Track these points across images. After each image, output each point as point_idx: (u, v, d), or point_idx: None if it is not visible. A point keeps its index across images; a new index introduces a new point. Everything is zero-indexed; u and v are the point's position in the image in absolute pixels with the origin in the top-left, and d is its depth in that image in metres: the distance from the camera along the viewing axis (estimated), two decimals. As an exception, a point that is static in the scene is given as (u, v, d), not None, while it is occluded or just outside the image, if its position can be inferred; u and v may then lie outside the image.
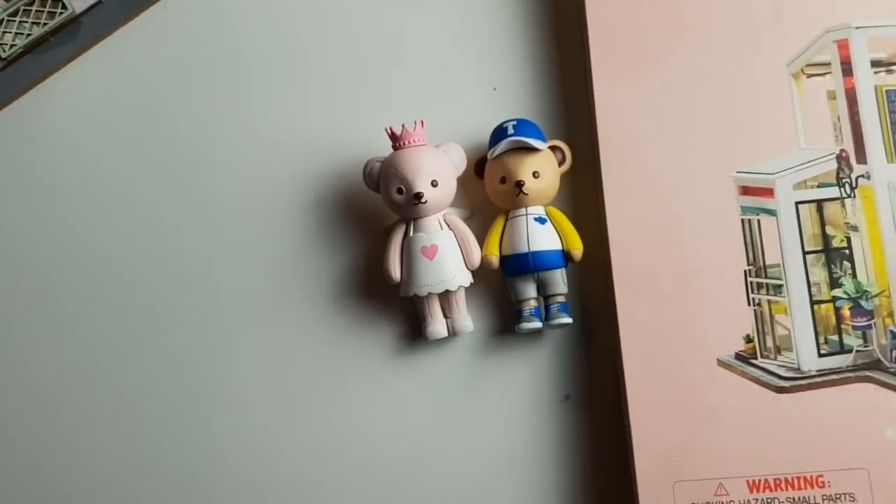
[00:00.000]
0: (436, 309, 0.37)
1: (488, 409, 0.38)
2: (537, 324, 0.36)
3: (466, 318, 0.37)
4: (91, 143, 0.41)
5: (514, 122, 0.36)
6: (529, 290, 0.36)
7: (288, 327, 0.39)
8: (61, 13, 0.40)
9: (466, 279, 0.37)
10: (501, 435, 0.38)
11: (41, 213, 0.40)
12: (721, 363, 0.35)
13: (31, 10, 0.40)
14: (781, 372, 0.35)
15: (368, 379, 0.39)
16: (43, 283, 0.40)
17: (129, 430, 0.39)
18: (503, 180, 0.36)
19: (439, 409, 0.38)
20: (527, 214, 0.36)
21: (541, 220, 0.36)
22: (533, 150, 0.36)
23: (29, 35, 0.40)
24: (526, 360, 0.38)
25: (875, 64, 0.36)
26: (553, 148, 0.37)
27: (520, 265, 0.36)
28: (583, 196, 0.38)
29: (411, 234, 0.36)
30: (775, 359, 0.35)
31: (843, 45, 0.36)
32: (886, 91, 0.36)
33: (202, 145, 0.41)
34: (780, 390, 0.35)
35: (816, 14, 0.37)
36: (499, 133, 0.36)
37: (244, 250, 0.40)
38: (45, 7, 0.40)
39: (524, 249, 0.36)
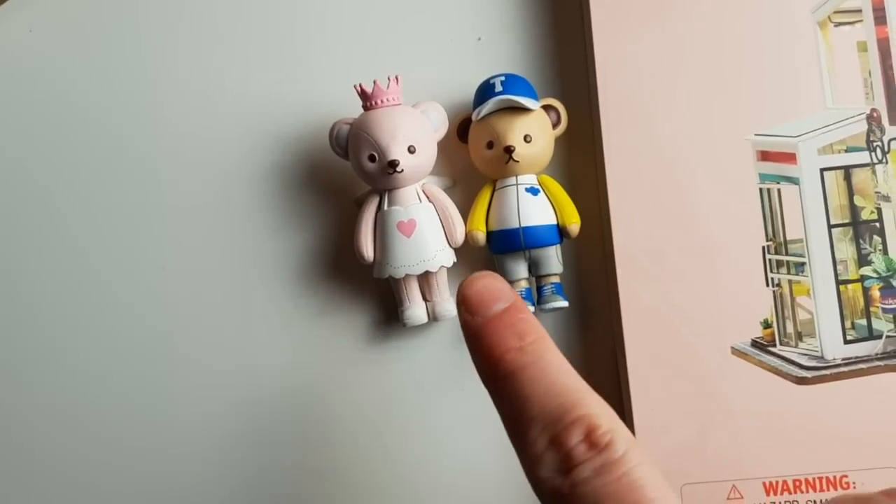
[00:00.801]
0: (414, 292, 0.33)
1: (472, 401, 0.34)
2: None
3: (448, 302, 0.33)
4: (23, 101, 0.36)
5: (503, 78, 0.32)
6: (520, 270, 0.33)
7: (247, 311, 0.35)
8: None
9: (449, 258, 0.33)
10: (487, 428, 0.34)
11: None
12: (735, 351, 0.32)
13: None
14: (803, 361, 0.32)
15: (339, 369, 0.35)
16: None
17: (83, 422, 0.36)
18: (490, 145, 0.32)
19: (419, 400, 0.35)
20: (517, 184, 0.32)
21: (533, 191, 0.32)
22: (524, 110, 0.31)
23: None
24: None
25: (911, 9, 0.32)
26: (546, 108, 0.33)
27: (509, 242, 0.32)
28: (580, 163, 0.34)
29: (385, 207, 0.32)
30: (796, 346, 0.32)
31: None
32: (923, 41, 0.32)
33: (148, 104, 0.36)
34: (802, 381, 0.32)
35: None
36: (485, 90, 0.32)
37: (196, 223, 0.36)
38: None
39: (514, 224, 0.32)
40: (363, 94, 0.32)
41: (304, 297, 0.35)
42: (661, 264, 0.32)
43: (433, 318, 0.33)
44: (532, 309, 0.33)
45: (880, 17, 0.32)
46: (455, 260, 0.33)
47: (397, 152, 0.31)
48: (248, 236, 0.35)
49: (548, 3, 0.36)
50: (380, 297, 0.35)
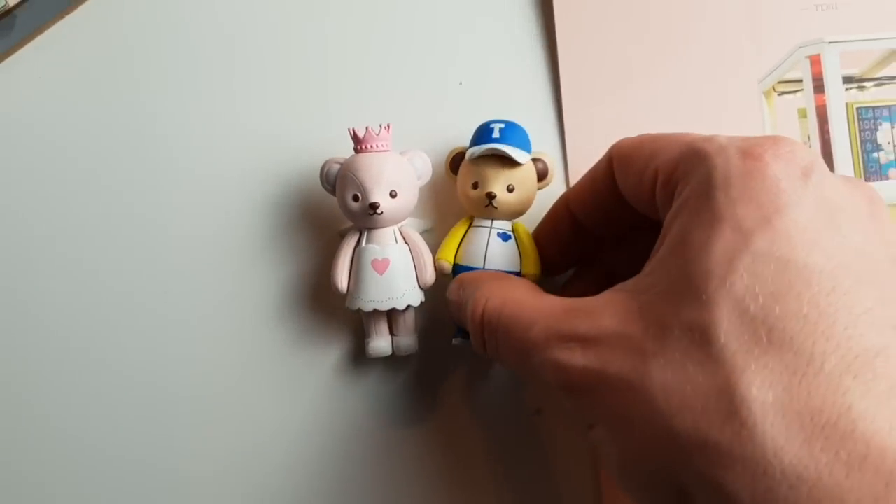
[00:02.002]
0: (381, 325, 0.35)
1: (449, 425, 0.36)
2: (462, 339, 0.34)
3: (410, 338, 0.35)
4: (28, 143, 0.38)
5: (502, 126, 0.33)
6: None
7: (228, 338, 0.36)
8: None
9: (416, 298, 0.34)
10: (464, 453, 0.35)
11: None
12: None
13: None
14: None
15: (312, 395, 0.36)
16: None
17: (57, 447, 0.36)
18: (475, 185, 0.33)
19: (389, 428, 0.36)
20: (491, 227, 0.33)
21: (504, 237, 0.33)
22: (513, 160, 0.33)
23: None
24: (496, 368, 0.36)
25: (847, 80, 0.35)
26: (536, 160, 0.34)
27: None
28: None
29: (363, 244, 0.34)
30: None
31: (815, 61, 0.36)
32: (857, 108, 0.35)
33: (145, 145, 0.38)
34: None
35: (791, 33, 0.36)
36: (483, 133, 0.33)
37: (183, 257, 0.37)
38: (-25, -1, 0.37)
39: (479, 265, 0.33)
40: (355, 138, 0.34)
41: (284, 324, 0.36)
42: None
43: (395, 352, 0.35)
44: (462, 340, 0.34)
45: (819, 87, 0.36)
46: (423, 299, 0.34)
47: (379, 195, 0.33)
48: (235, 269, 0.37)
49: (524, 50, 0.38)
50: (355, 327, 0.36)
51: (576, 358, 0.23)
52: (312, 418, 0.36)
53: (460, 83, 0.38)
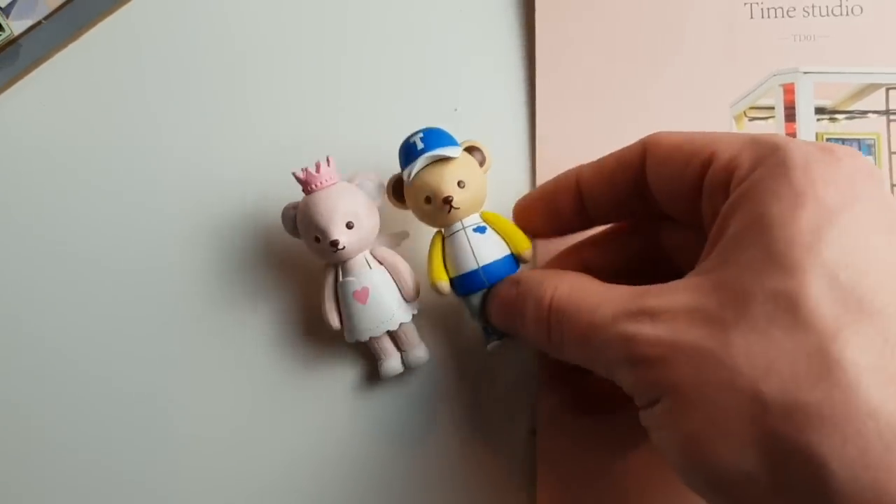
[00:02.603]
0: (386, 345, 0.35)
1: (447, 445, 0.36)
2: (500, 341, 0.33)
3: (418, 349, 0.35)
4: (32, 168, 0.40)
5: (421, 135, 0.32)
6: None
7: (230, 381, 0.38)
8: None
9: (407, 315, 0.34)
10: (462, 474, 0.36)
11: None
12: None
13: None
14: None
15: (325, 422, 0.37)
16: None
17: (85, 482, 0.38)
18: (428, 200, 0.32)
19: (395, 447, 0.37)
20: (464, 227, 0.32)
21: (481, 230, 0.32)
22: (450, 159, 0.32)
23: None
24: (488, 387, 0.36)
25: (819, 111, 0.35)
26: (469, 150, 0.33)
27: (472, 284, 0.32)
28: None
29: (341, 278, 0.34)
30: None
31: (788, 90, 0.35)
32: (827, 139, 0.35)
33: (145, 173, 0.39)
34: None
35: (767, 61, 0.36)
36: (408, 152, 0.32)
37: (188, 279, 0.38)
38: (-19, 30, 0.39)
39: (473, 266, 0.32)
40: (300, 181, 0.33)
41: (286, 361, 0.37)
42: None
43: (407, 367, 0.35)
44: (499, 343, 0.33)
45: (790, 115, 0.35)
46: (415, 312, 0.34)
47: (336, 232, 0.32)
48: (240, 297, 0.38)
49: (517, 75, 0.38)
50: (359, 352, 0.37)
51: (645, 329, 0.23)
52: (325, 443, 0.37)
53: (455, 110, 0.38)
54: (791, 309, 0.21)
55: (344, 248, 0.33)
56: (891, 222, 0.22)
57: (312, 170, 0.33)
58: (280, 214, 0.35)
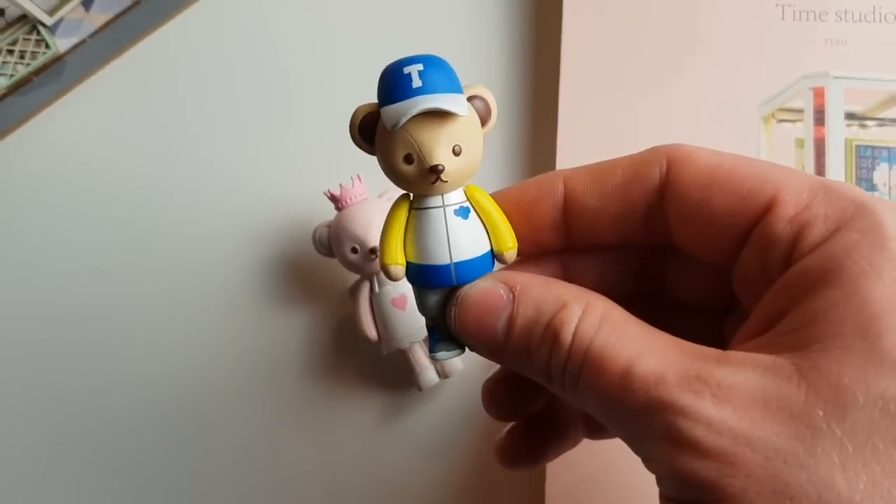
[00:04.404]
0: (421, 357, 0.36)
1: (484, 452, 0.36)
2: (456, 350, 0.25)
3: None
4: (74, 183, 0.41)
5: (420, 66, 0.22)
6: (441, 305, 0.25)
7: (272, 398, 0.38)
8: (45, 53, 0.40)
9: None
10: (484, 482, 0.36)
11: (22, 254, 0.41)
12: None
13: (14, 51, 0.40)
14: None
15: (359, 438, 0.38)
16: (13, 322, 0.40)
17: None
18: (409, 160, 0.23)
19: (435, 458, 0.37)
20: (444, 206, 0.24)
21: (463, 213, 0.24)
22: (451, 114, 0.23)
23: (13, 76, 0.40)
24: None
25: (849, 116, 0.35)
26: (472, 98, 0.23)
27: (437, 279, 0.24)
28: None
29: (377, 289, 0.35)
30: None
31: (818, 94, 0.35)
32: (857, 146, 0.35)
33: (186, 187, 0.41)
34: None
35: (797, 63, 0.36)
36: (398, 85, 0.22)
37: (217, 300, 0.39)
38: (28, 47, 0.41)
39: (444, 260, 0.24)
40: (333, 198, 0.35)
41: (316, 374, 0.38)
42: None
43: (443, 376, 0.36)
44: (461, 351, 0.25)
45: (820, 119, 0.35)
46: None
47: (375, 240, 0.34)
48: (256, 321, 0.39)
49: (526, 68, 0.39)
50: (391, 367, 0.37)
51: (705, 407, 0.18)
52: (355, 456, 0.37)
53: None
54: None
55: (384, 255, 0.34)
56: None
57: (348, 185, 0.35)
58: (311, 234, 0.36)
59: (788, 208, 0.20)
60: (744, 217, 0.21)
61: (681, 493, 0.18)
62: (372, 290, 0.36)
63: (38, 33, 0.41)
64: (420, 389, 0.36)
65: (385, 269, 0.24)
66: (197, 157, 0.41)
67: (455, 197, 0.24)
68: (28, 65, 0.41)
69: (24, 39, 0.41)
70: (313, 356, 0.38)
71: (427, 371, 0.36)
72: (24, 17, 0.41)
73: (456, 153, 0.23)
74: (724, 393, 0.18)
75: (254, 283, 0.39)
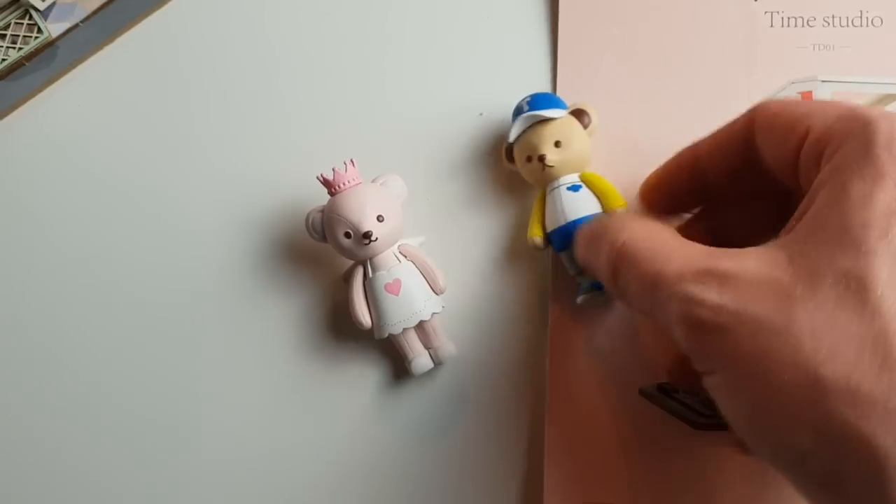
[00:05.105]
0: (415, 343, 0.36)
1: (474, 438, 0.37)
2: (598, 293, 0.34)
3: (448, 344, 0.36)
4: (65, 169, 0.41)
5: (529, 99, 0.35)
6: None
7: (257, 388, 0.39)
8: (37, 37, 0.40)
9: (438, 305, 0.36)
10: (483, 467, 0.37)
11: (11, 238, 0.41)
12: (643, 392, 0.33)
13: (6, 35, 0.40)
14: (701, 409, 0.30)
15: (352, 424, 0.38)
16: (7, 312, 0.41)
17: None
18: (529, 159, 0.35)
19: (427, 444, 0.37)
20: (559, 186, 0.35)
21: (574, 188, 0.34)
22: (550, 120, 0.34)
23: (4, 60, 0.40)
24: (506, 379, 0.37)
25: (836, 120, 0.36)
26: (577, 112, 0.35)
27: (561, 239, 0.34)
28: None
29: (370, 274, 0.35)
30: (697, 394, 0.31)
31: (806, 97, 0.36)
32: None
33: (179, 173, 0.41)
34: (697, 426, 0.30)
35: (785, 69, 0.36)
36: (516, 113, 0.35)
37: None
38: (20, 31, 0.40)
39: (562, 222, 0.34)
40: (326, 182, 0.35)
41: (310, 359, 0.38)
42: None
43: (437, 362, 0.36)
44: (602, 293, 0.34)
45: None
46: (444, 305, 0.36)
47: (369, 224, 0.34)
48: (250, 308, 0.39)
49: (543, 79, 0.39)
50: (382, 354, 0.38)
51: (710, 294, 0.22)
52: (350, 439, 0.38)
53: (480, 114, 0.39)
54: (859, 292, 0.20)
55: (377, 239, 0.34)
56: None
57: (341, 170, 0.35)
58: (304, 219, 0.36)
59: (816, 132, 0.24)
60: (792, 147, 0.25)
61: (702, 365, 0.23)
62: (365, 275, 0.36)
63: (31, 18, 0.41)
64: (413, 375, 0.36)
65: (529, 240, 0.35)
66: (189, 141, 0.41)
67: (568, 179, 0.35)
68: (20, 49, 0.41)
69: (17, 24, 0.41)
70: (306, 342, 0.39)
71: (420, 357, 0.36)
72: (16, 2, 0.40)
73: (558, 146, 0.34)
74: (728, 281, 0.22)
75: (247, 268, 0.39)
